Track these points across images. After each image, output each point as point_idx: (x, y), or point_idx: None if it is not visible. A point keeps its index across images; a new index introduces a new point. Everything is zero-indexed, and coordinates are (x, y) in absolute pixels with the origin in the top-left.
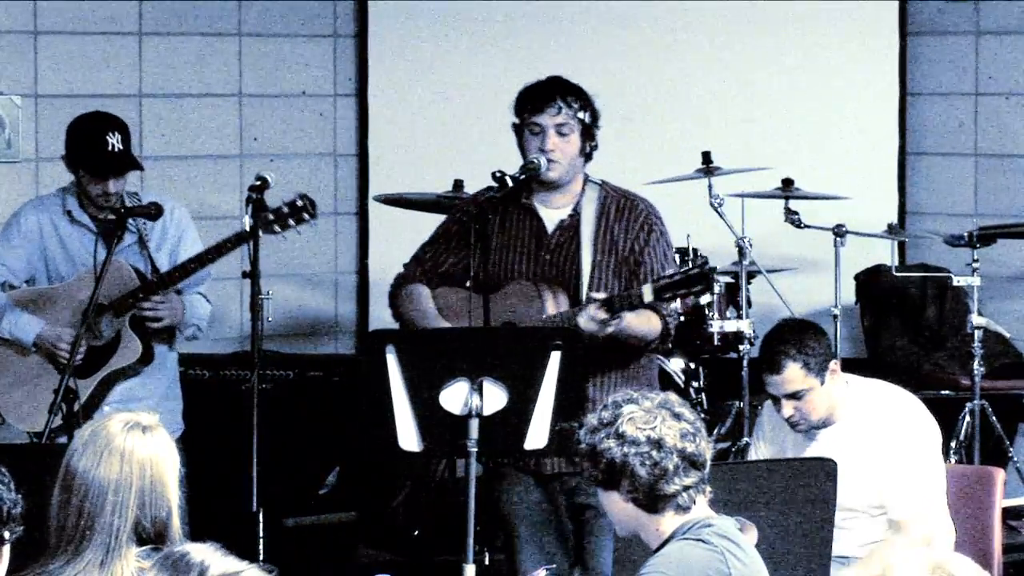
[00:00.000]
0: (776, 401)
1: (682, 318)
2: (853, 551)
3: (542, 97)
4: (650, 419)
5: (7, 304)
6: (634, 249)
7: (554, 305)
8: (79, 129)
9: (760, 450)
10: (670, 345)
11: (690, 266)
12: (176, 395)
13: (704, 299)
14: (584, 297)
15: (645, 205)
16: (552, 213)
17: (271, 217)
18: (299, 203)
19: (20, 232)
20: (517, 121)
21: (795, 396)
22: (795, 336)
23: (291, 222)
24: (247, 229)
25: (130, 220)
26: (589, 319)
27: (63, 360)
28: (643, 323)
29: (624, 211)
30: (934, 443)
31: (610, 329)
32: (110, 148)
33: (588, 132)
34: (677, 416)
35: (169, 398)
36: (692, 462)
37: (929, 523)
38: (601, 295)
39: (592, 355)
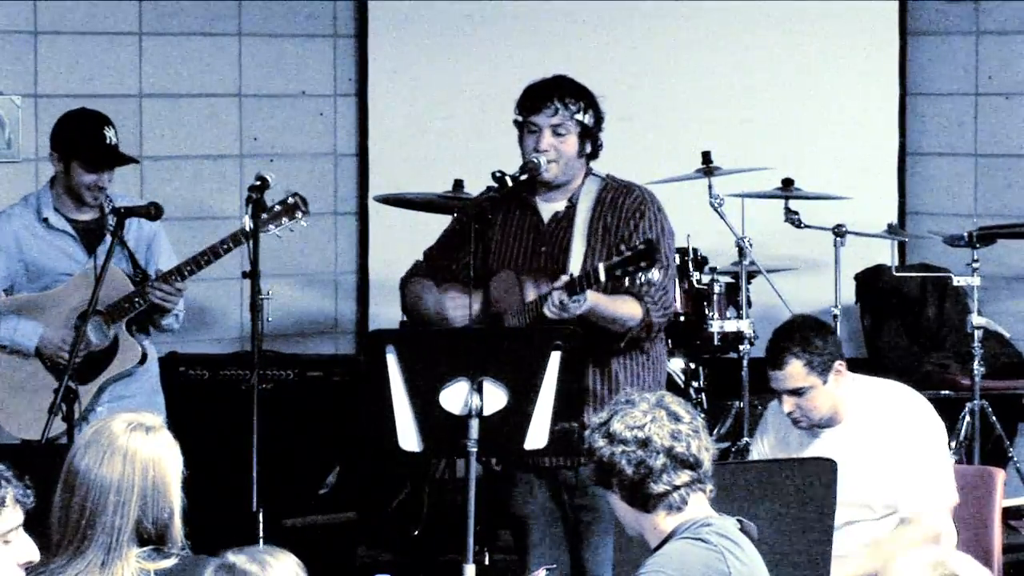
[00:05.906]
0: (779, 396)
1: (682, 318)
2: (854, 551)
3: (539, 97)
4: (641, 419)
5: (3, 311)
6: (624, 236)
7: (535, 292)
8: (74, 121)
9: (762, 447)
10: (669, 344)
11: (638, 244)
12: (159, 389)
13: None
14: None
15: (641, 192)
16: (550, 206)
17: (265, 216)
18: (291, 201)
19: None
20: (519, 119)
21: (796, 393)
22: (802, 333)
23: (284, 220)
24: (244, 230)
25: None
26: (551, 305)
27: (64, 364)
28: (617, 305)
29: (619, 199)
30: (942, 441)
31: (574, 307)
32: (107, 141)
33: (588, 133)
34: (674, 416)
35: (155, 392)
36: (681, 462)
37: (938, 520)
38: (563, 279)
39: (594, 348)
